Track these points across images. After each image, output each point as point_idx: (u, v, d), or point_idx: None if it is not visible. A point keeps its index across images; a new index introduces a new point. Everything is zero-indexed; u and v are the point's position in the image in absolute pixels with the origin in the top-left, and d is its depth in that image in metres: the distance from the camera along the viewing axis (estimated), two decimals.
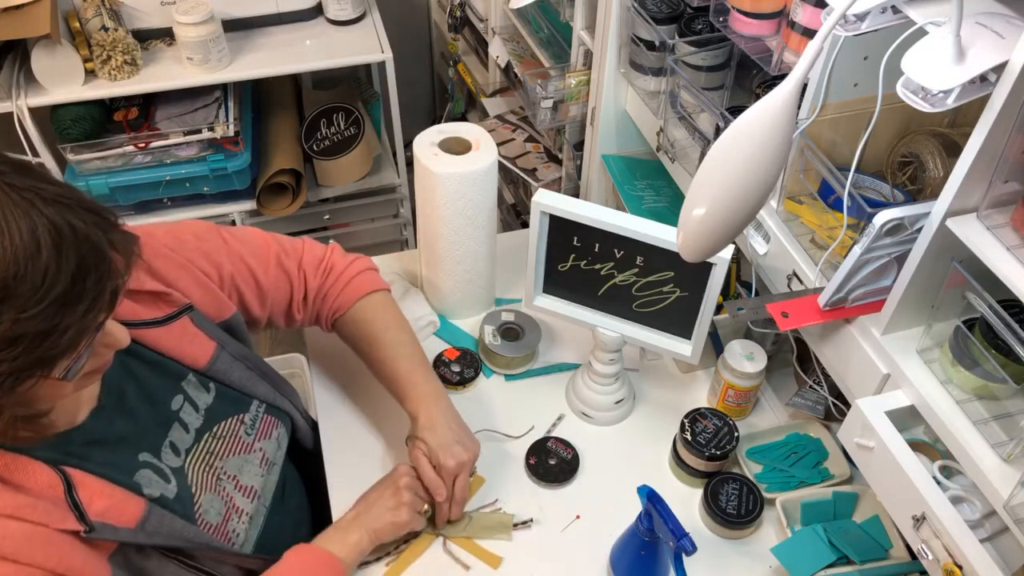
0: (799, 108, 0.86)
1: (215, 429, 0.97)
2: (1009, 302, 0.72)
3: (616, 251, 1.08)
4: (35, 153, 1.74)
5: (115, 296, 0.70)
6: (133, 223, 0.77)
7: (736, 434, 1.11)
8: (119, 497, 0.81)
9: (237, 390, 1.01)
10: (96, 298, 0.67)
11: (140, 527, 0.81)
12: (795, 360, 1.23)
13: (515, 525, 1.09)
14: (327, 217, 2.17)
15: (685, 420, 1.13)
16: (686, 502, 1.13)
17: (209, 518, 0.92)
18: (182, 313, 0.93)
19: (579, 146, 1.63)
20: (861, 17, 0.74)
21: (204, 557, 0.88)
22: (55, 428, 0.78)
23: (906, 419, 0.85)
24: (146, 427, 0.89)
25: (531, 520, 1.10)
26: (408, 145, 1.71)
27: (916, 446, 0.85)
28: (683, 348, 1.13)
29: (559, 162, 1.79)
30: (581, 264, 1.12)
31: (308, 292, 1.11)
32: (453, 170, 1.18)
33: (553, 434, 1.21)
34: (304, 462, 1.18)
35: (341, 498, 1.11)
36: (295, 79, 2.21)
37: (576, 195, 1.68)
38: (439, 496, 1.03)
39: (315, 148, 1.97)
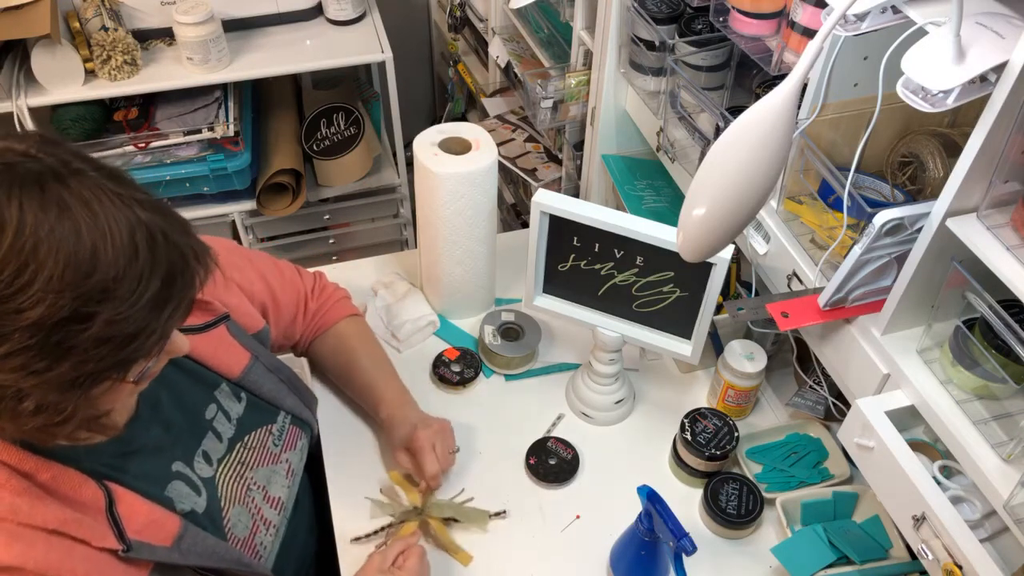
0: (799, 108, 0.86)
1: (246, 439, 0.97)
2: (1009, 302, 0.72)
3: (616, 251, 1.08)
4: None
5: (191, 305, 0.72)
6: None
7: (736, 434, 1.11)
8: (157, 514, 0.80)
9: (266, 401, 1.02)
10: (179, 305, 0.69)
11: (176, 545, 0.80)
12: (795, 360, 1.23)
13: (491, 517, 1.10)
14: (327, 217, 2.17)
15: (685, 420, 1.13)
16: (686, 502, 1.13)
17: (237, 532, 0.91)
18: (220, 322, 0.95)
19: (579, 146, 1.63)
20: (861, 17, 0.74)
21: (232, 573, 0.88)
22: (115, 429, 0.77)
23: (906, 419, 0.85)
24: (180, 436, 0.89)
25: (504, 512, 1.11)
26: (408, 145, 1.71)
27: (916, 446, 0.85)
28: (683, 348, 1.13)
29: (559, 162, 1.79)
30: (581, 264, 1.12)
31: (307, 311, 1.17)
32: (453, 170, 1.18)
33: (553, 434, 1.21)
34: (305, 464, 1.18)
35: (341, 499, 1.12)
36: (295, 79, 2.20)
37: (576, 195, 1.68)
38: (418, 474, 1.08)
39: (315, 148, 1.97)
